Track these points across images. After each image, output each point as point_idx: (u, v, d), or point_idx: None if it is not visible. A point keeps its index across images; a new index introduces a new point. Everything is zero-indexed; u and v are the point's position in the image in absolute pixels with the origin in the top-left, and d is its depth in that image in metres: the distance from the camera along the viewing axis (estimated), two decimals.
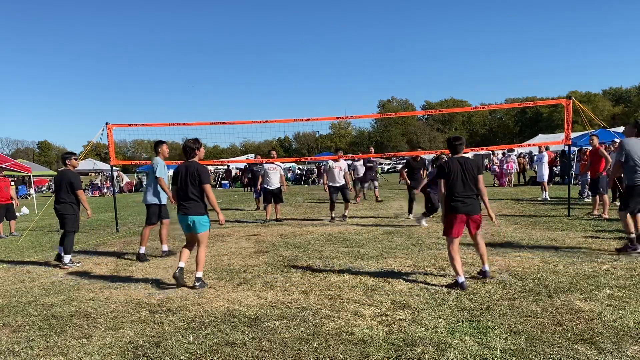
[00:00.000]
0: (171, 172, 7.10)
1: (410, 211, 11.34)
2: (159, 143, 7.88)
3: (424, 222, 9.89)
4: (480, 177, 5.46)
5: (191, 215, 5.64)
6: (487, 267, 5.56)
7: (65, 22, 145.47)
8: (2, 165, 14.23)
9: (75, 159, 7.72)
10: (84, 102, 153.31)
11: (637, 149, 6.59)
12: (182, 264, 5.68)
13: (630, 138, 6.76)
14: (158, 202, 7.79)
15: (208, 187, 5.70)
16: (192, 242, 5.85)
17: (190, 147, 5.81)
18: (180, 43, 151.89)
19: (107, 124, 11.09)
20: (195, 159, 5.84)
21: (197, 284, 5.66)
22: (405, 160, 10.66)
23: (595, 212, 10.43)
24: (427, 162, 12.52)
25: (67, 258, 7.37)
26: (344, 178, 11.42)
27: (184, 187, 5.70)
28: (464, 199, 5.33)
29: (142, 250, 7.65)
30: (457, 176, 5.36)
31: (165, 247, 7.90)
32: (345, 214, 11.49)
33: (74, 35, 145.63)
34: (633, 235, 6.57)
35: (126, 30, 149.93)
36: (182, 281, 5.66)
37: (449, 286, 5.24)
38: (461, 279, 5.17)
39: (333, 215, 11.52)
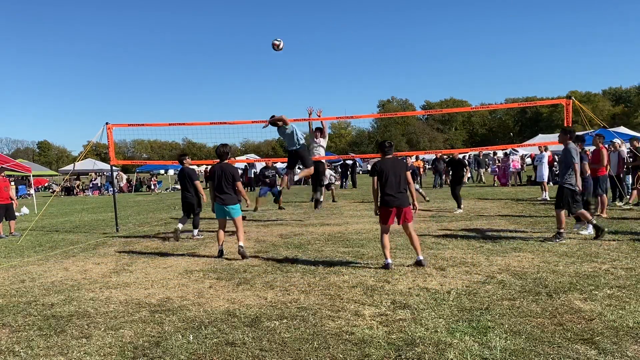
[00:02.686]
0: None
1: (459, 205, 12.32)
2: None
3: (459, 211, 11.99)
4: (408, 173, 6.31)
5: (228, 205, 7.25)
6: (421, 257, 6.17)
7: (65, 22, 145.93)
8: (2, 166, 14.22)
9: (189, 158, 9.79)
10: (84, 102, 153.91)
11: None
12: (221, 247, 7.35)
13: None
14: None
15: (239, 183, 7.39)
16: (224, 226, 7.42)
17: (224, 152, 7.41)
18: (180, 43, 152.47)
19: (107, 123, 11.08)
20: (227, 160, 7.47)
21: (242, 249, 7.13)
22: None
23: (596, 212, 10.43)
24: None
25: (195, 231, 9.50)
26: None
27: (221, 183, 7.24)
28: (395, 194, 6.15)
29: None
30: (388, 175, 6.17)
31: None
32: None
33: (74, 35, 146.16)
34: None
35: (126, 30, 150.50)
36: (222, 254, 7.32)
37: (382, 267, 6.12)
38: (388, 261, 6.14)
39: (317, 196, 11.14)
